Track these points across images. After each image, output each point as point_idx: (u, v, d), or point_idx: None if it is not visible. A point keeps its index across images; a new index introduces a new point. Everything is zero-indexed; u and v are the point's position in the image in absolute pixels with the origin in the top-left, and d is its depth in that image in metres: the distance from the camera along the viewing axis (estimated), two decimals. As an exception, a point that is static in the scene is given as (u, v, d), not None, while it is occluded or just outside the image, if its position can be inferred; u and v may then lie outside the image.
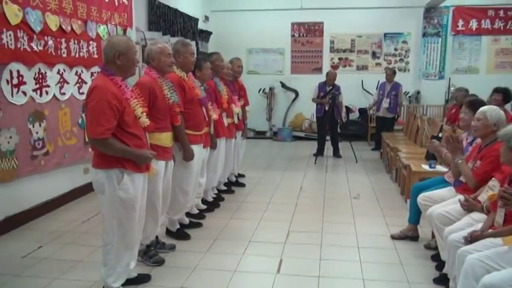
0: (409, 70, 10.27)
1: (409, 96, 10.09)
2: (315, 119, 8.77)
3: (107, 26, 5.64)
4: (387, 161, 6.99)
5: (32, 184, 4.50)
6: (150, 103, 3.19)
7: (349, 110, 10.12)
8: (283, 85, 10.59)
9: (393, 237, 4.06)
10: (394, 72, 8.68)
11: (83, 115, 5.03)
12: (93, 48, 5.32)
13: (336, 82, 8.01)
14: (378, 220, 4.61)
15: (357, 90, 10.20)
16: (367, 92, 10.17)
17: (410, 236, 4.03)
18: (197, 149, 3.96)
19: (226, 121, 5.06)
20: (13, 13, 4.11)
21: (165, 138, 3.39)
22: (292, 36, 10.55)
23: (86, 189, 5.20)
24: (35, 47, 4.40)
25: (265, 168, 7.20)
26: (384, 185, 6.13)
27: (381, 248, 3.86)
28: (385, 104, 8.51)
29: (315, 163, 7.57)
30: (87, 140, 4.90)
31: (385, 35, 10.26)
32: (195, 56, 4.02)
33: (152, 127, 3.00)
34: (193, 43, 7.96)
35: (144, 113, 2.85)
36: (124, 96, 2.73)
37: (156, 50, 3.38)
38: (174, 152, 3.66)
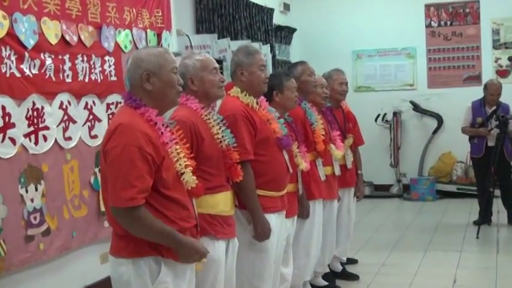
0: None
1: None
2: (471, 163, 8.52)
3: (131, 32, 5.90)
4: None
5: (27, 281, 4.65)
6: (192, 149, 3.23)
7: (531, 144, 9.76)
8: (416, 107, 10.53)
9: None
10: None
11: (97, 170, 5.23)
12: (110, 66, 5.56)
13: (502, 99, 7.84)
14: None
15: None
16: None
17: None
18: (276, 220, 3.98)
19: (323, 172, 5.07)
20: (-4, 22, 4.44)
21: (223, 203, 3.44)
22: (428, 26, 10.54)
23: (105, 286, 5.34)
24: (26, 71, 4.66)
25: (392, 248, 7.11)
26: None
27: None
28: None
29: (477, 237, 7.36)
30: (102, 208, 5.07)
31: None
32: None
33: (201, 188, 3.03)
34: (266, 48, 8.12)
35: (190, 168, 2.88)
36: (161, 140, 2.78)
37: (195, 65, 3.45)
38: (238, 227, 3.68)
